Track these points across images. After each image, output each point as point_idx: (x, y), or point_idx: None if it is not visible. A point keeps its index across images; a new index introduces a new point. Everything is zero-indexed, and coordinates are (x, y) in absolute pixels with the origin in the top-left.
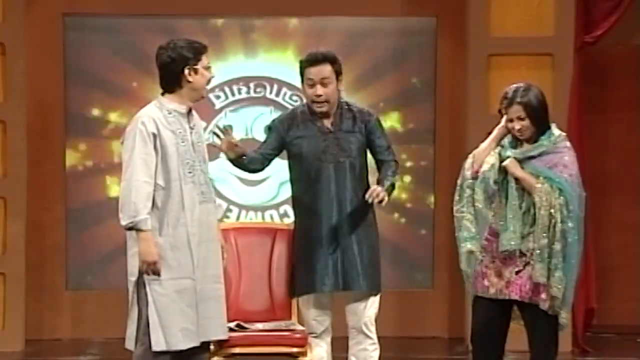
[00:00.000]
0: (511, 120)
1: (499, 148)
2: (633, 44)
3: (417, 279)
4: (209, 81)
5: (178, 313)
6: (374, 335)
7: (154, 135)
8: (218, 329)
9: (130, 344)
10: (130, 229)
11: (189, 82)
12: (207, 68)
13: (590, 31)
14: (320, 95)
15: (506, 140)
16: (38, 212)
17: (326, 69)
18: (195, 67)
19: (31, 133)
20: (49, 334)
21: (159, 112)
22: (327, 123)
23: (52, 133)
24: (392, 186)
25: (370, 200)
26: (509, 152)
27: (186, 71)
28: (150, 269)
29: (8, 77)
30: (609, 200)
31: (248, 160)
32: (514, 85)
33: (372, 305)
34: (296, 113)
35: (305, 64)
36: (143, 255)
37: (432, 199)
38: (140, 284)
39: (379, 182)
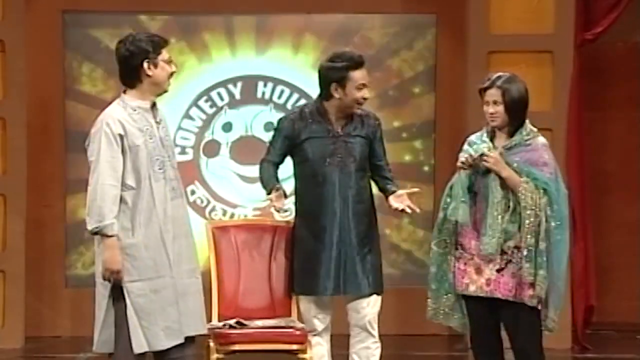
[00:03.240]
0: (487, 104)
1: (470, 142)
2: (633, 41)
3: (417, 276)
4: (171, 75)
5: (158, 313)
6: (376, 333)
7: (120, 136)
8: (198, 324)
9: (106, 347)
10: (95, 233)
11: (149, 76)
12: (169, 62)
13: (590, 28)
14: (367, 98)
15: (484, 133)
16: (38, 209)
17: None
18: (155, 60)
19: (31, 130)
20: (48, 331)
21: (123, 112)
22: (337, 126)
23: (52, 130)
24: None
25: (407, 210)
26: (484, 146)
27: (145, 65)
28: (114, 277)
29: (8, 74)
30: (608, 199)
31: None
32: (501, 72)
33: (374, 303)
34: (305, 113)
35: (353, 66)
36: (107, 263)
37: (432, 196)
38: (116, 287)
39: (385, 190)
